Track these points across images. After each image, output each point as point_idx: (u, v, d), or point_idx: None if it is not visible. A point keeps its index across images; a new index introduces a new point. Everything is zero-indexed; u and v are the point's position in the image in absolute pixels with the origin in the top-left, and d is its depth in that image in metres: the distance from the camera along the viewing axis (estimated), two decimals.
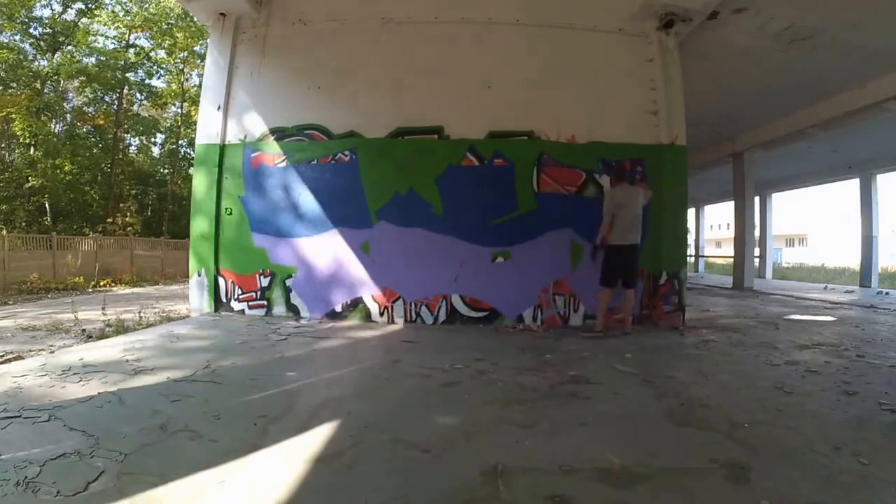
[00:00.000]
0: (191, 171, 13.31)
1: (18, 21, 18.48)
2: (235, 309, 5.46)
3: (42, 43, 19.77)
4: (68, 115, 21.11)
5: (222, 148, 5.53)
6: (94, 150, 20.50)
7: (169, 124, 25.50)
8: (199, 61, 22.09)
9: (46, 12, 20.00)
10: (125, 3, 21.04)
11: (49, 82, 20.06)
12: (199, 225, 5.52)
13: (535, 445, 2.10)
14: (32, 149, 19.04)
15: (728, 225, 26.78)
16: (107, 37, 21.77)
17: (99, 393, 2.64)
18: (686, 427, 2.34)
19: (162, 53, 23.02)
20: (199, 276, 5.48)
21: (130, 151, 24.56)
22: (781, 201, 18.97)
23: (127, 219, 19.38)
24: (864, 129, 9.00)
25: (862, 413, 2.54)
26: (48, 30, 19.80)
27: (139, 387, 2.79)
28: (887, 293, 10.00)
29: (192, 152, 21.15)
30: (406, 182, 5.38)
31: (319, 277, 5.41)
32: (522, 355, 3.87)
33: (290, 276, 5.43)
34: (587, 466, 1.88)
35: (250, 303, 5.46)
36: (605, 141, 5.40)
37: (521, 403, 2.67)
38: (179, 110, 24.64)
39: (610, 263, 4.82)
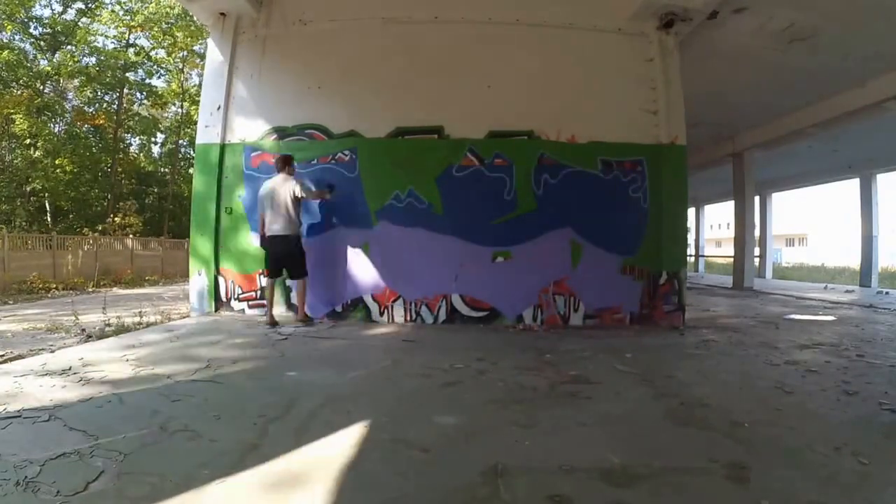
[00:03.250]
0: (191, 170, 13.31)
1: (18, 21, 18.47)
2: (235, 308, 5.46)
3: (42, 43, 19.76)
4: (68, 115, 21.10)
5: (222, 147, 5.53)
6: (94, 150, 20.47)
7: (169, 124, 25.48)
8: (199, 61, 22.07)
9: (46, 12, 20.04)
10: (125, 2, 21.05)
11: (49, 82, 20.05)
12: (199, 224, 5.52)
13: (535, 445, 2.10)
14: (33, 149, 19.02)
15: (728, 225, 26.77)
16: (107, 36, 21.79)
17: (99, 393, 2.64)
18: (686, 427, 2.34)
19: (162, 53, 23.01)
20: (199, 275, 5.48)
21: (131, 151, 24.54)
22: (781, 201, 18.97)
23: (127, 219, 19.37)
24: (864, 129, 9.00)
25: (862, 413, 2.54)
26: (48, 29, 19.79)
27: (139, 387, 2.79)
28: (887, 293, 10.01)
29: (192, 152, 21.14)
30: (406, 182, 5.37)
31: (319, 277, 5.40)
32: (522, 355, 3.86)
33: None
34: (587, 466, 1.89)
35: (250, 302, 5.46)
36: (605, 141, 5.40)
37: (521, 403, 2.67)
38: (180, 110, 24.63)
39: (267, 254, 5.05)
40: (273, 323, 4.88)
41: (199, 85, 10.15)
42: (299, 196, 4.91)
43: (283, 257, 4.97)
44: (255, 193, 5.47)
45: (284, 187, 4.89)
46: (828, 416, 2.50)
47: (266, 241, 5.00)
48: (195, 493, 1.64)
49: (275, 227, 4.89)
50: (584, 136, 5.40)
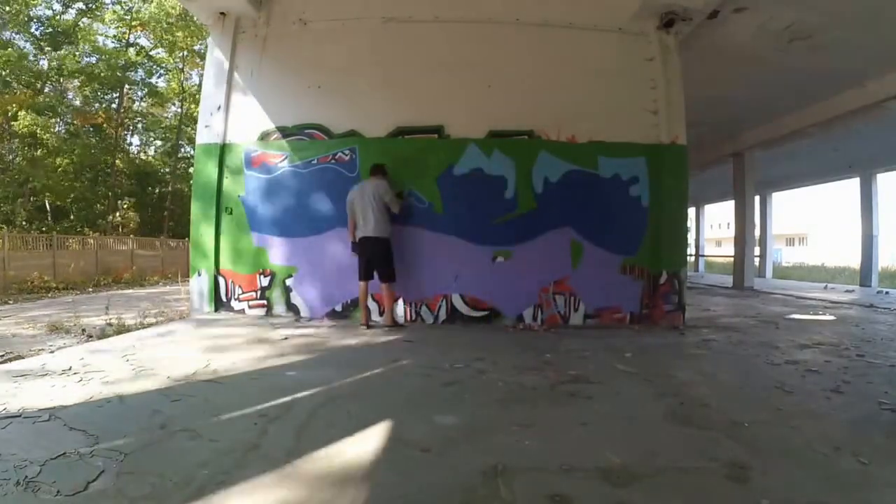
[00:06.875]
0: (191, 170, 13.32)
1: (19, 21, 18.47)
2: (236, 308, 5.45)
3: (43, 42, 19.76)
4: (69, 115, 21.09)
5: (222, 147, 5.53)
6: (95, 150, 20.47)
7: (169, 123, 25.49)
8: (199, 60, 22.08)
9: (47, 12, 20.02)
10: (126, 2, 21.07)
11: (49, 81, 20.06)
12: (199, 224, 5.51)
13: (535, 445, 2.10)
14: (35, 149, 19.02)
15: (728, 224, 26.74)
16: (107, 36, 21.80)
17: (99, 393, 2.64)
18: (686, 427, 2.34)
19: (162, 52, 23.01)
20: (200, 275, 5.48)
21: (131, 150, 24.55)
22: (781, 201, 18.94)
23: (127, 218, 19.38)
24: (864, 129, 9.00)
25: (862, 413, 2.54)
26: (49, 29, 19.78)
27: (139, 386, 2.79)
28: (887, 292, 10.01)
29: (192, 151, 21.12)
30: (406, 182, 5.37)
31: (319, 277, 5.40)
32: (523, 355, 3.86)
33: (290, 276, 5.43)
34: (587, 466, 1.88)
35: (250, 302, 5.46)
36: (605, 140, 5.40)
37: (521, 403, 2.67)
38: (180, 109, 24.63)
39: (358, 257, 5.02)
40: (368, 325, 4.93)
41: (200, 84, 10.14)
42: (386, 200, 4.90)
43: (374, 259, 4.94)
44: (255, 193, 5.49)
45: (371, 188, 4.88)
46: (828, 415, 2.50)
47: (358, 245, 4.98)
48: (194, 492, 1.64)
49: (367, 228, 4.87)
50: (584, 136, 5.40)
